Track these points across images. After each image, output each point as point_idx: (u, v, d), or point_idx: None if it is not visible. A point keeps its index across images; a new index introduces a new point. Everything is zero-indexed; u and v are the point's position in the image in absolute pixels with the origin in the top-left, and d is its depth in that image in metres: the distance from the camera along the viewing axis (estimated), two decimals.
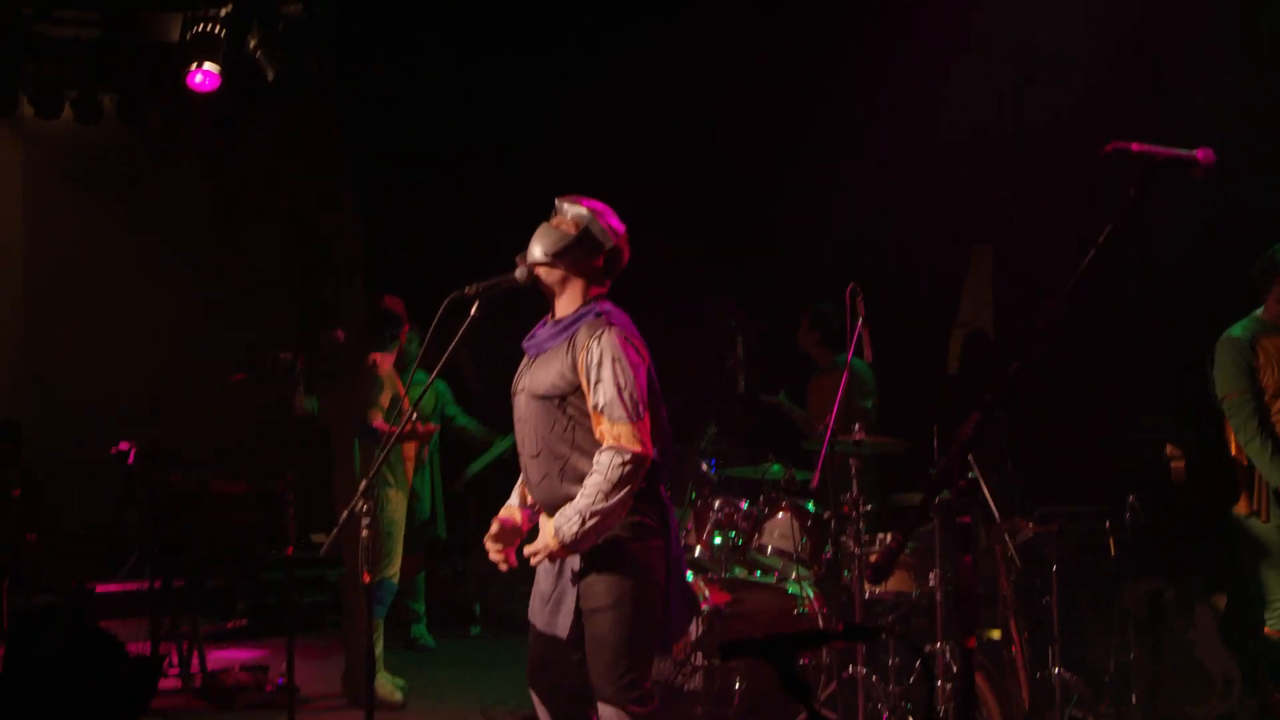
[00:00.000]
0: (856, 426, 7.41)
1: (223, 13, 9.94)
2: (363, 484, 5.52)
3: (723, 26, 10.39)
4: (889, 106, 9.91)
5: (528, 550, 5.06)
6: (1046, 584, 7.50)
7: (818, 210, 10.23)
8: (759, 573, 7.80)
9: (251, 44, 10.11)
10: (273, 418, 10.45)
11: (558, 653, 5.12)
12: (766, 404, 8.99)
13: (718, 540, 7.72)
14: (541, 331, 5.23)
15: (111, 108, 10.92)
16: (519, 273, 5.23)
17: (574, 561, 5.02)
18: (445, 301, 5.24)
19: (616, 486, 4.86)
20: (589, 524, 4.86)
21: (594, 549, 4.97)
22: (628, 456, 4.87)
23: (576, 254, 5.15)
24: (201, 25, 9.93)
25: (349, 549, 7.46)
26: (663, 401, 5.19)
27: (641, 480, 4.95)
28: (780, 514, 7.72)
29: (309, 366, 7.67)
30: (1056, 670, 7.35)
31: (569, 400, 5.03)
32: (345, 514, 5.51)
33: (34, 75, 10.63)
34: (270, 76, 10.17)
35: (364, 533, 5.61)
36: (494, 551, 5.33)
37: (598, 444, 4.97)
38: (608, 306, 5.16)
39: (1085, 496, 8.37)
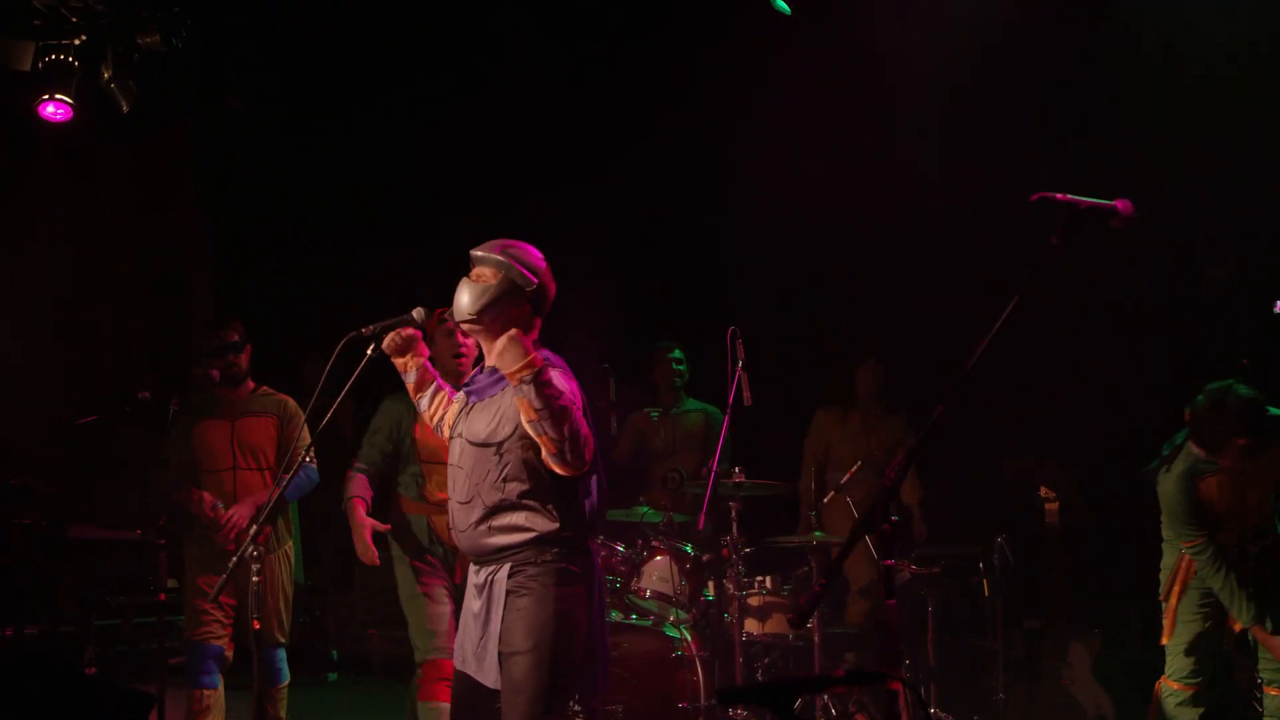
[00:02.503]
0: (737, 469, 7.43)
1: (77, 42, 9.67)
2: (253, 529, 5.40)
3: (596, 79, 10.49)
4: (749, 155, 10.03)
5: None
6: (923, 624, 7.58)
7: (698, 250, 10.31)
8: (634, 616, 7.75)
9: (105, 75, 9.83)
10: (137, 460, 10.14)
11: (484, 699, 5.06)
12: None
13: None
14: (480, 378, 5.20)
15: None
16: (416, 314, 5.27)
17: (499, 609, 4.99)
18: (342, 341, 5.18)
19: (571, 424, 4.82)
20: (552, 390, 4.82)
21: (517, 593, 4.97)
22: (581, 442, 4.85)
23: (501, 304, 5.09)
24: (54, 55, 9.64)
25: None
26: (600, 457, 5.17)
27: (580, 466, 4.91)
28: (658, 557, 7.70)
29: (183, 407, 7.39)
30: (933, 710, 7.43)
31: (504, 446, 4.99)
32: (235, 560, 5.38)
33: None
34: (125, 108, 9.89)
35: (254, 579, 5.49)
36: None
37: (529, 493, 4.97)
38: (545, 354, 5.11)
39: (958, 538, 8.50)
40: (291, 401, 7.52)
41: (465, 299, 5.10)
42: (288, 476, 5.96)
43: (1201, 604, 6.54)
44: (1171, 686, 6.63)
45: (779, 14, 8.32)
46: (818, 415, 9.35)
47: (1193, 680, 6.57)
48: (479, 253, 5.18)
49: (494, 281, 5.10)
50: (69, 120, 9.70)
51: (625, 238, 10.38)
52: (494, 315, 5.08)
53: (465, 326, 5.16)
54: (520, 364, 4.83)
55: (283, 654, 7.40)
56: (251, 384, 7.48)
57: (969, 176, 9.15)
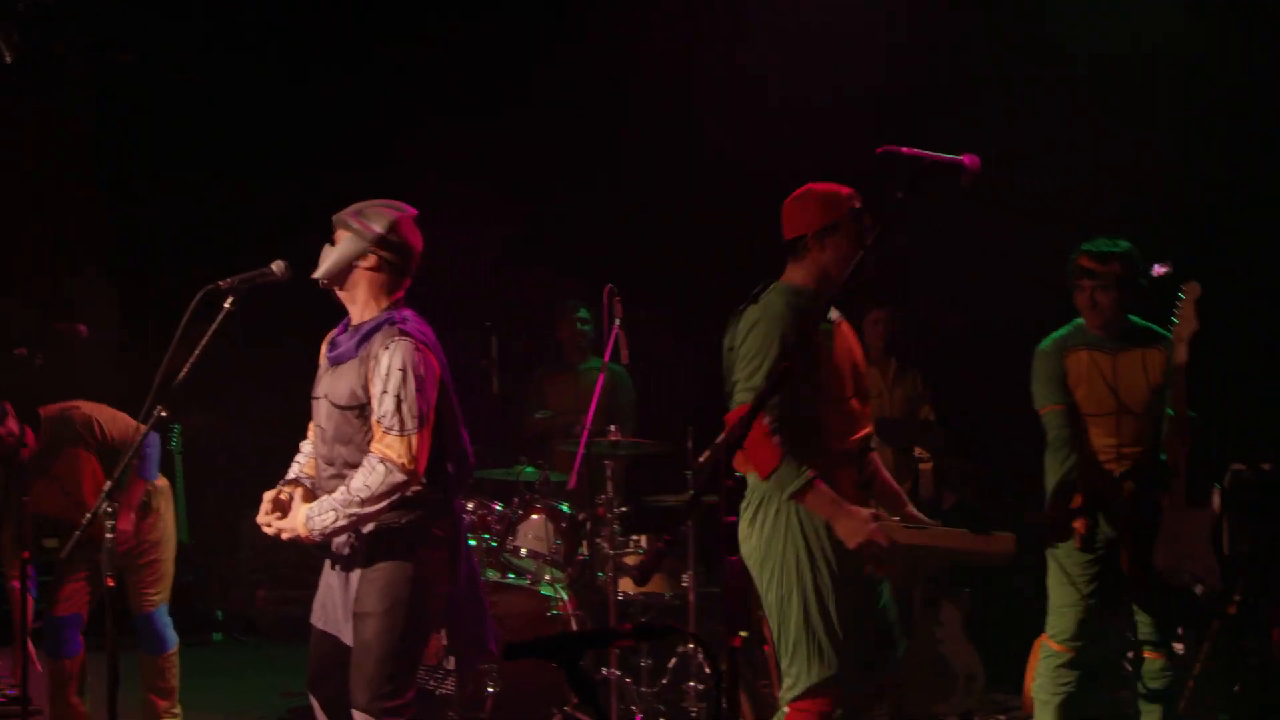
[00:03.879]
0: (612, 428, 7.41)
1: None
2: (108, 484, 5.33)
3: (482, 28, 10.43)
4: (646, 112, 10.00)
5: (276, 523, 5.04)
6: None
7: (577, 210, 10.25)
8: (512, 575, 7.73)
9: None
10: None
11: (342, 658, 5.03)
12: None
13: (471, 543, 7.60)
14: (342, 339, 5.17)
15: None
16: (276, 267, 5.20)
17: (358, 569, 4.99)
18: (199, 294, 5.13)
19: (376, 497, 4.85)
20: (340, 524, 4.86)
21: (376, 553, 4.96)
22: (394, 470, 4.85)
23: (347, 265, 5.10)
24: None
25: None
26: (459, 411, 5.18)
27: (406, 493, 4.91)
28: (534, 515, 7.67)
29: (49, 363, 7.21)
30: None
31: (365, 411, 4.98)
32: (89, 516, 5.29)
33: None
34: (7, 59, 9.71)
35: (107, 535, 5.40)
36: (264, 517, 5.17)
37: None
38: (406, 314, 5.10)
39: None
40: (76, 413, 7.09)
41: (325, 264, 5.12)
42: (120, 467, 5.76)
43: (1087, 563, 6.25)
44: (1052, 647, 6.37)
45: None
46: None
47: (1074, 643, 6.29)
48: (335, 216, 5.18)
49: (340, 243, 5.11)
50: None
51: (511, 197, 10.31)
52: (343, 276, 5.11)
53: (326, 288, 5.16)
54: (307, 534, 4.93)
55: (164, 617, 7.26)
56: (31, 437, 7.00)
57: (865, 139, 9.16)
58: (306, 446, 5.42)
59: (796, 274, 5.16)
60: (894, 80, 9.28)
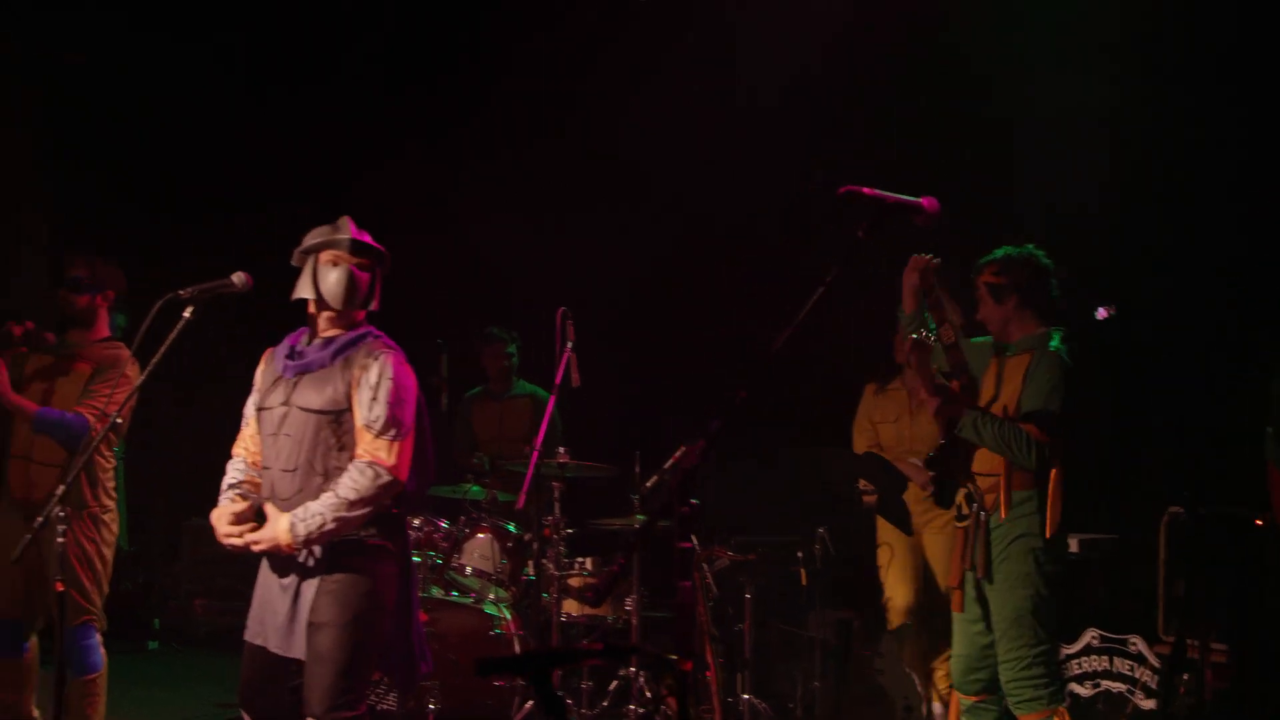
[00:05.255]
0: (561, 450, 7.46)
1: None
2: (60, 489, 5.30)
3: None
4: (591, 136, 10.10)
5: (251, 537, 5.04)
6: (740, 611, 7.65)
7: (524, 230, 10.27)
8: (456, 593, 7.75)
9: None
10: None
11: (279, 674, 5.08)
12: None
13: (416, 559, 7.60)
14: (308, 350, 5.20)
15: None
16: (236, 279, 5.31)
17: (313, 580, 5.01)
18: (159, 303, 5.17)
19: (364, 500, 4.94)
20: (327, 528, 4.92)
21: (336, 564, 5.00)
22: (383, 473, 4.96)
23: (362, 297, 5.22)
24: None
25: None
26: (428, 429, 5.29)
27: (389, 501, 5.03)
28: (480, 534, 7.71)
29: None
30: (747, 696, 7.50)
31: (342, 419, 5.06)
32: (40, 520, 5.25)
33: None
34: None
35: (59, 539, 5.37)
36: (230, 529, 5.12)
37: None
38: (381, 334, 5.24)
39: (779, 527, 8.53)
40: (124, 352, 6.56)
41: (335, 294, 5.18)
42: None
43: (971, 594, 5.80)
44: (961, 698, 5.93)
45: None
46: (865, 391, 8.12)
47: (974, 689, 5.83)
48: (327, 239, 5.25)
49: (349, 275, 5.20)
50: None
51: (461, 214, 10.35)
52: (354, 306, 5.21)
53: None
54: (289, 542, 4.95)
55: (92, 636, 6.44)
56: (105, 333, 6.67)
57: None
58: (238, 462, 5.39)
59: None
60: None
